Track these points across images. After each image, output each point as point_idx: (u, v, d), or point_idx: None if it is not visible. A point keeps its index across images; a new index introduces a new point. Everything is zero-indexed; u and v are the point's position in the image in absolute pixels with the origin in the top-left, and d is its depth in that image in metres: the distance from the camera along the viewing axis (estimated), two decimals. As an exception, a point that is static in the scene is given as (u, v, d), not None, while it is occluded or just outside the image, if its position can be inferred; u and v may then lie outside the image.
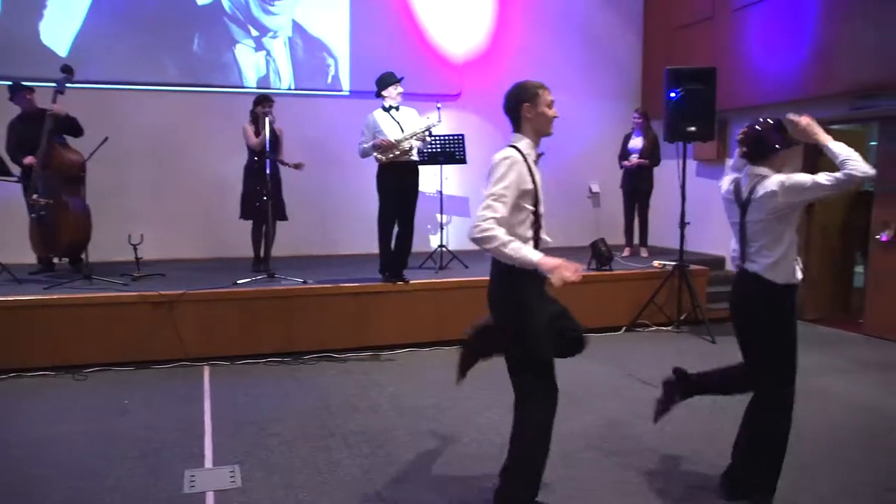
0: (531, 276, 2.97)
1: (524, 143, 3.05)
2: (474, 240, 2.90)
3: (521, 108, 3.07)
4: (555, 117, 3.11)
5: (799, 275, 3.24)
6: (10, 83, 6.32)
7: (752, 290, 3.25)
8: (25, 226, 6.31)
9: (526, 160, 2.98)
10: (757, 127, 3.29)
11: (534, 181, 3.00)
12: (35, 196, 6.04)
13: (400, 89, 6.11)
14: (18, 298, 5.40)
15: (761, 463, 3.30)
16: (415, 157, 6.20)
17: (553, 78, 9.72)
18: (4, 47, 7.29)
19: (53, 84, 6.12)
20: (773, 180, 3.15)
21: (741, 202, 3.27)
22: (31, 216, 6.18)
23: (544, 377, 3.09)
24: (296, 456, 3.86)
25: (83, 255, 6.26)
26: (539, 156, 3.14)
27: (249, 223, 6.81)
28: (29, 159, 6.11)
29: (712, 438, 4.17)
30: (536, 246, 3.08)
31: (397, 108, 6.11)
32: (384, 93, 6.12)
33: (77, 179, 6.21)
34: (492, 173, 2.96)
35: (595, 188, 9.50)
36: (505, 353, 3.14)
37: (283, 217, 6.78)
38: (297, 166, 6.60)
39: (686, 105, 6.69)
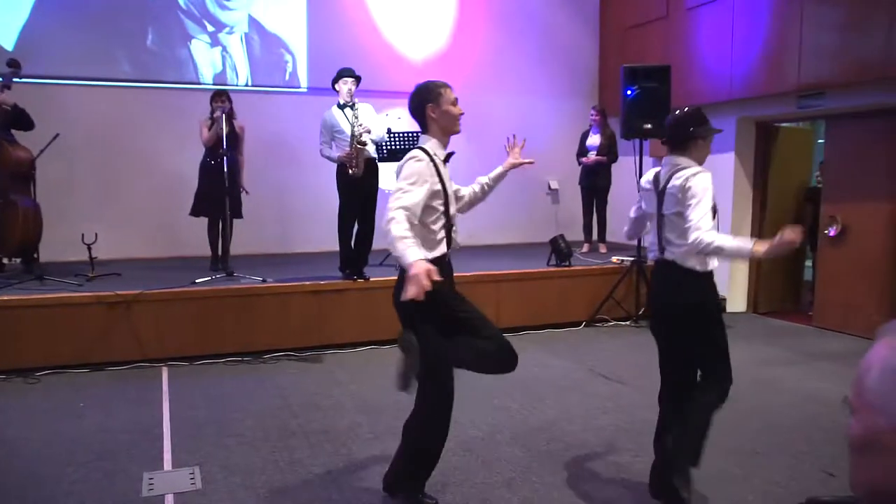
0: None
1: (431, 144, 3.07)
2: (386, 231, 2.89)
3: (426, 108, 3.07)
4: (460, 114, 3.12)
5: (714, 262, 3.19)
6: None
7: (678, 281, 3.17)
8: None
9: (434, 160, 2.99)
10: (677, 114, 3.26)
11: (442, 181, 3.01)
12: None
13: (350, 86, 6.04)
14: (-34, 300, 5.24)
15: (688, 452, 3.22)
16: (373, 154, 6.18)
17: (512, 76, 9.84)
18: (-53, 41, 7.05)
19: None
20: (688, 172, 3.09)
21: (658, 191, 3.23)
22: None
23: (433, 378, 3.12)
24: (257, 456, 3.83)
25: (35, 255, 6.10)
26: (449, 155, 3.15)
27: (206, 221, 6.71)
28: None
29: (669, 430, 4.26)
30: (448, 246, 3.11)
31: (352, 106, 6.04)
32: (336, 87, 6.10)
33: (25, 177, 6.04)
34: (398, 175, 2.99)
35: (554, 185, 9.59)
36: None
37: (239, 215, 6.70)
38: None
39: (642, 102, 6.80)
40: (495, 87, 9.06)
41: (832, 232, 6.95)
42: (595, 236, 8.34)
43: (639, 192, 3.47)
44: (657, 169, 3.32)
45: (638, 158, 6.98)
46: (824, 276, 7.16)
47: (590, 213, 8.28)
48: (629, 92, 6.85)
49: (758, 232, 7.85)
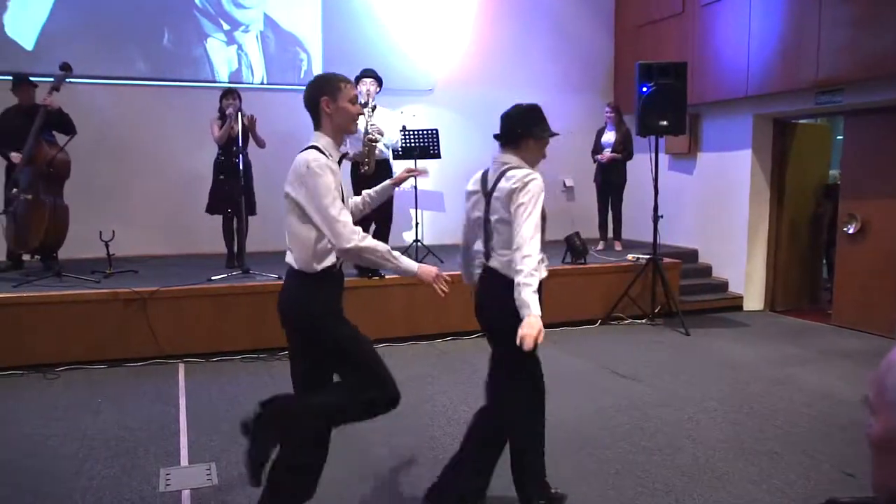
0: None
1: (324, 142, 2.74)
2: (355, 252, 2.66)
3: (320, 101, 2.75)
4: (359, 114, 2.86)
5: (544, 273, 2.86)
6: (12, 76, 6.23)
7: (501, 292, 2.81)
8: (-1, 218, 6.20)
9: (329, 160, 2.67)
10: (512, 108, 2.97)
11: (340, 184, 2.71)
12: (14, 190, 5.94)
13: (369, 87, 6.05)
14: (-14, 297, 5.32)
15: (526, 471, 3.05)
16: (386, 155, 6.20)
17: (525, 72, 9.81)
18: (-32, 40, 7.13)
19: (51, 79, 6.06)
20: (518, 174, 2.81)
21: (486, 193, 2.93)
22: (9, 210, 6.06)
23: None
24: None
25: (54, 253, 6.16)
26: (343, 156, 2.87)
27: (220, 219, 6.76)
28: (14, 155, 6.02)
29: (690, 429, 4.24)
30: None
31: (366, 104, 6.03)
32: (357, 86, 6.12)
33: (60, 178, 6.11)
34: (304, 184, 2.60)
35: (569, 182, 9.56)
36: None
37: (253, 212, 6.73)
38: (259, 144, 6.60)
39: (658, 99, 6.76)
40: (509, 83, 9.02)
41: (851, 229, 6.88)
42: (610, 234, 8.30)
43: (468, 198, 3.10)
44: (483, 170, 3.04)
45: (653, 155, 6.94)
46: (843, 273, 7.09)
47: (605, 210, 8.25)
48: (644, 89, 6.81)
49: (775, 230, 7.79)
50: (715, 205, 8.10)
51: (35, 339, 5.30)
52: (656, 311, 7.06)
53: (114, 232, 6.33)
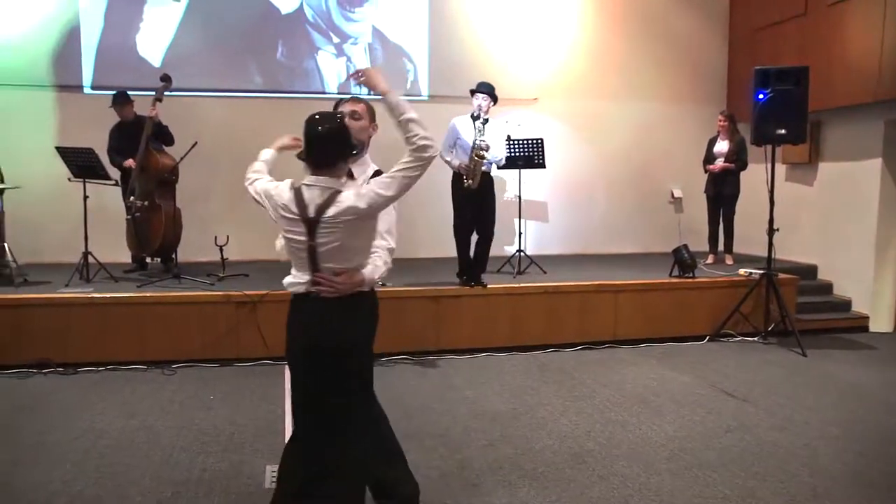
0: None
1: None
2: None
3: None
4: (359, 128, 2.96)
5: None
6: (114, 93, 6.65)
7: (343, 320, 2.68)
8: (121, 226, 6.62)
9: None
10: (321, 127, 2.62)
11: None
12: (131, 198, 6.35)
13: (481, 101, 6.07)
14: (114, 296, 5.71)
15: None
16: (487, 168, 6.19)
17: (632, 80, 9.62)
18: (107, 60, 7.74)
19: (152, 92, 6.44)
20: (349, 194, 2.56)
21: (307, 219, 2.60)
22: (127, 217, 6.49)
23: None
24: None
25: (173, 255, 6.53)
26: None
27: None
28: (128, 161, 6.44)
29: (806, 456, 3.98)
30: None
31: (482, 120, 6.05)
32: (473, 97, 6.17)
33: (170, 183, 6.49)
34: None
35: (677, 193, 9.24)
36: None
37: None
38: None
39: (775, 106, 6.42)
40: (614, 92, 8.85)
41: None
42: (721, 247, 7.96)
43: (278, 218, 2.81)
44: (289, 182, 2.79)
45: (770, 166, 6.60)
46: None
47: (716, 222, 7.92)
48: (761, 95, 6.49)
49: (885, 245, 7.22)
50: (838, 217, 7.60)
51: (155, 337, 5.63)
52: (770, 328, 6.69)
53: (228, 237, 6.64)
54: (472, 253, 6.33)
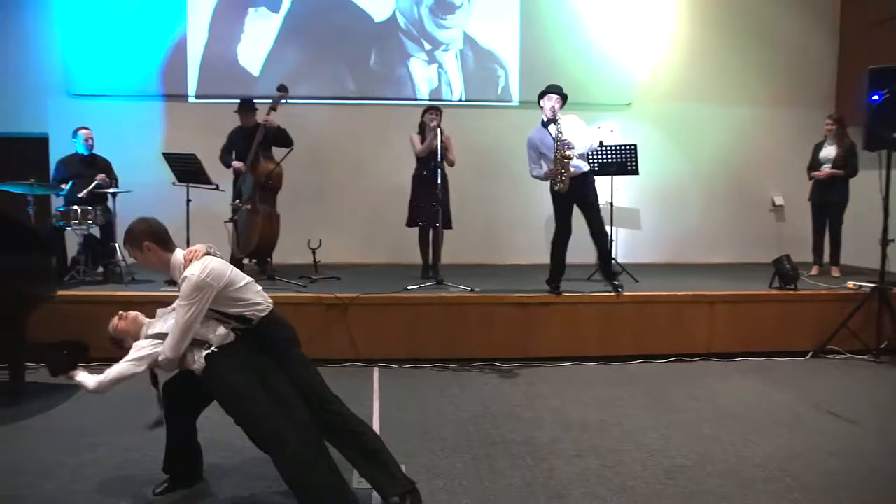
0: None
1: None
2: None
3: None
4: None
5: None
6: (239, 101, 6.97)
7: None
8: (220, 229, 6.89)
9: None
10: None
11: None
12: (237, 200, 6.62)
13: (554, 103, 5.95)
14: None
15: None
16: (583, 168, 6.07)
17: (730, 83, 9.26)
18: (210, 70, 8.18)
19: (269, 101, 6.68)
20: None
21: None
22: (231, 220, 6.76)
23: None
24: (458, 461, 3.89)
25: (269, 258, 6.76)
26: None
27: (417, 230, 7.05)
28: (237, 164, 6.76)
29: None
30: None
31: (556, 121, 5.97)
32: (541, 103, 6.08)
33: (275, 189, 6.73)
34: None
35: (779, 201, 8.84)
36: None
37: (449, 225, 6.93)
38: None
39: (891, 108, 6.04)
40: (711, 96, 8.58)
41: None
42: (827, 258, 7.54)
43: None
44: None
45: (885, 172, 6.20)
46: None
47: (821, 232, 7.51)
48: (875, 97, 6.12)
49: None
50: (958, 228, 7.06)
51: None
52: (882, 346, 6.27)
53: (321, 240, 6.82)
54: (565, 260, 6.23)
